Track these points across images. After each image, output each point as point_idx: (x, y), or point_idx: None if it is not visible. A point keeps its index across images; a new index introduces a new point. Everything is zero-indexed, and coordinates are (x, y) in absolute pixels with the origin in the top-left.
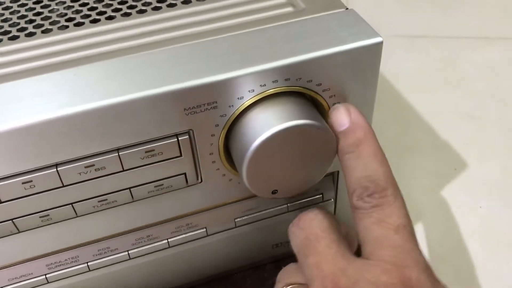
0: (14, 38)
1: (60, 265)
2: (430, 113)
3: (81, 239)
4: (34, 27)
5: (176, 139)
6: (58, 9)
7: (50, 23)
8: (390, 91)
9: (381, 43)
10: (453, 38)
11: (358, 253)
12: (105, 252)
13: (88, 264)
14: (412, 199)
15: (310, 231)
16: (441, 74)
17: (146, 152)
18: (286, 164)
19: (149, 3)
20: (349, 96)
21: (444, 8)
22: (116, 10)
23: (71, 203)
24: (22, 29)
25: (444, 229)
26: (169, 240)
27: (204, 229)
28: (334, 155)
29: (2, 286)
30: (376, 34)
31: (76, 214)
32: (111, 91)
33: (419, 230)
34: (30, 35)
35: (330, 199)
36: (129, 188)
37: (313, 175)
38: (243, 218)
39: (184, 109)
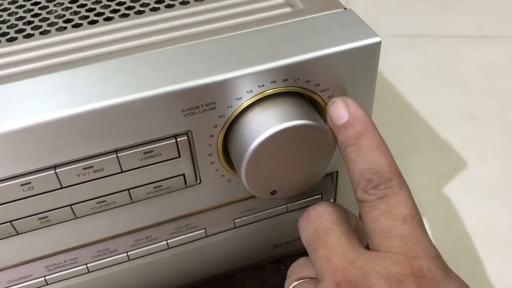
0: (12, 39)
1: (59, 266)
2: (430, 113)
3: (80, 241)
4: (32, 28)
5: (174, 140)
6: (56, 10)
7: (48, 25)
8: (390, 91)
9: (379, 43)
10: (452, 38)
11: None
12: (104, 254)
13: (87, 265)
14: None
15: (319, 224)
16: (441, 74)
17: (144, 153)
18: (285, 165)
19: (147, 4)
20: (348, 96)
21: (444, 7)
22: (114, 11)
23: (70, 205)
24: (20, 31)
25: (443, 228)
26: (168, 241)
27: (203, 230)
28: (333, 155)
29: None
30: (375, 34)
31: (75, 215)
32: (109, 92)
33: None
34: (28, 36)
35: (330, 199)
36: (128, 189)
37: (312, 175)
38: (242, 218)
39: (183, 110)
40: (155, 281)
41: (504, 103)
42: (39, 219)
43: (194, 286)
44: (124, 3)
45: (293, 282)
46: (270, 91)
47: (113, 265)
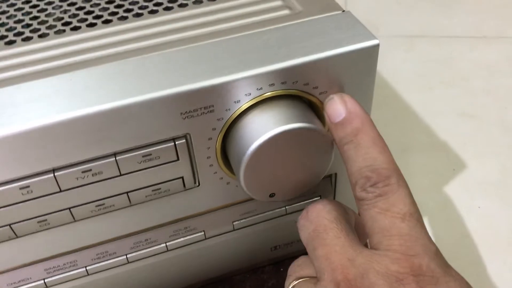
0: (10, 42)
1: (59, 269)
2: (429, 113)
3: (79, 244)
4: (30, 31)
5: (173, 143)
6: (54, 13)
7: (47, 28)
8: (389, 91)
9: (377, 45)
10: (451, 38)
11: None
12: (103, 256)
13: (87, 268)
14: None
15: (318, 222)
16: (440, 74)
17: (143, 156)
18: (284, 168)
19: (146, 7)
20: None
21: (443, 8)
22: (113, 13)
23: (69, 208)
24: (19, 34)
25: (442, 228)
26: (167, 243)
27: (202, 233)
28: (332, 157)
29: None
30: (373, 37)
31: (74, 218)
32: (108, 95)
33: None
34: (27, 39)
35: None
36: (127, 192)
37: (311, 177)
38: (241, 221)
39: (181, 113)
40: (154, 283)
41: (504, 104)
42: (38, 222)
43: None
44: (122, 5)
45: (293, 281)
46: (268, 94)
47: (112, 267)
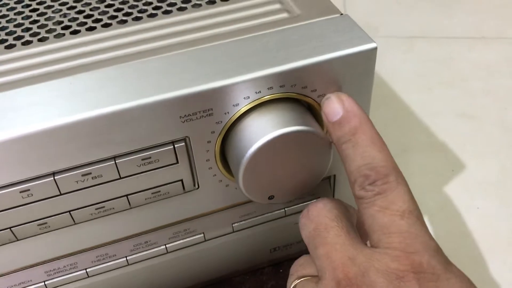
0: (10, 46)
1: (59, 272)
2: (428, 114)
3: (79, 246)
4: (30, 35)
5: (172, 146)
6: (54, 17)
7: (47, 31)
8: (388, 92)
9: (375, 48)
10: (450, 38)
11: None
12: (103, 259)
13: (87, 270)
14: None
15: (319, 221)
16: (439, 74)
17: (142, 159)
18: (283, 170)
19: (145, 10)
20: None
21: (442, 8)
22: (112, 17)
23: (69, 211)
24: (19, 38)
25: (442, 228)
26: (167, 245)
27: (202, 235)
28: (330, 159)
29: None
30: (370, 40)
31: (74, 221)
32: (108, 99)
33: None
34: (27, 43)
35: None
36: (126, 195)
37: (310, 179)
38: (241, 223)
39: (180, 116)
40: (154, 285)
41: (503, 104)
42: (38, 225)
43: None
44: (122, 9)
45: (294, 280)
46: (267, 97)
47: (113, 269)
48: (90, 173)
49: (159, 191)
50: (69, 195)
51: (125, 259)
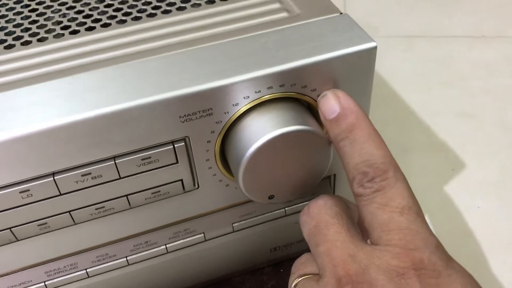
0: (9, 47)
1: (59, 272)
2: (428, 113)
3: (80, 246)
4: (30, 35)
5: (172, 146)
6: (53, 17)
7: (46, 31)
8: (388, 91)
9: (375, 48)
10: (450, 38)
11: None
12: (103, 259)
13: (87, 270)
14: None
15: (319, 218)
16: (439, 74)
17: (142, 159)
18: (283, 170)
19: (144, 10)
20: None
21: (442, 8)
22: (112, 17)
23: (69, 211)
24: (18, 38)
25: (442, 228)
26: (167, 245)
27: (202, 234)
28: (330, 159)
29: None
30: (370, 39)
31: (74, 222)
32: (107, 99)
33: None
34: (26, 43)
35: None
36: (126, 195)
37: (310, 179)
38: (241, 222)
39: (180, 116)
40: (154, 285)
41: (503, 103)
42: (38, 225)
43: None
44: (121, 9)
45: (296, 279)
46: (266, 97)
47: (113, 270)
48: (90, 173)
49: (159, 191)
50: (69, 195)
51: (125, 259)
